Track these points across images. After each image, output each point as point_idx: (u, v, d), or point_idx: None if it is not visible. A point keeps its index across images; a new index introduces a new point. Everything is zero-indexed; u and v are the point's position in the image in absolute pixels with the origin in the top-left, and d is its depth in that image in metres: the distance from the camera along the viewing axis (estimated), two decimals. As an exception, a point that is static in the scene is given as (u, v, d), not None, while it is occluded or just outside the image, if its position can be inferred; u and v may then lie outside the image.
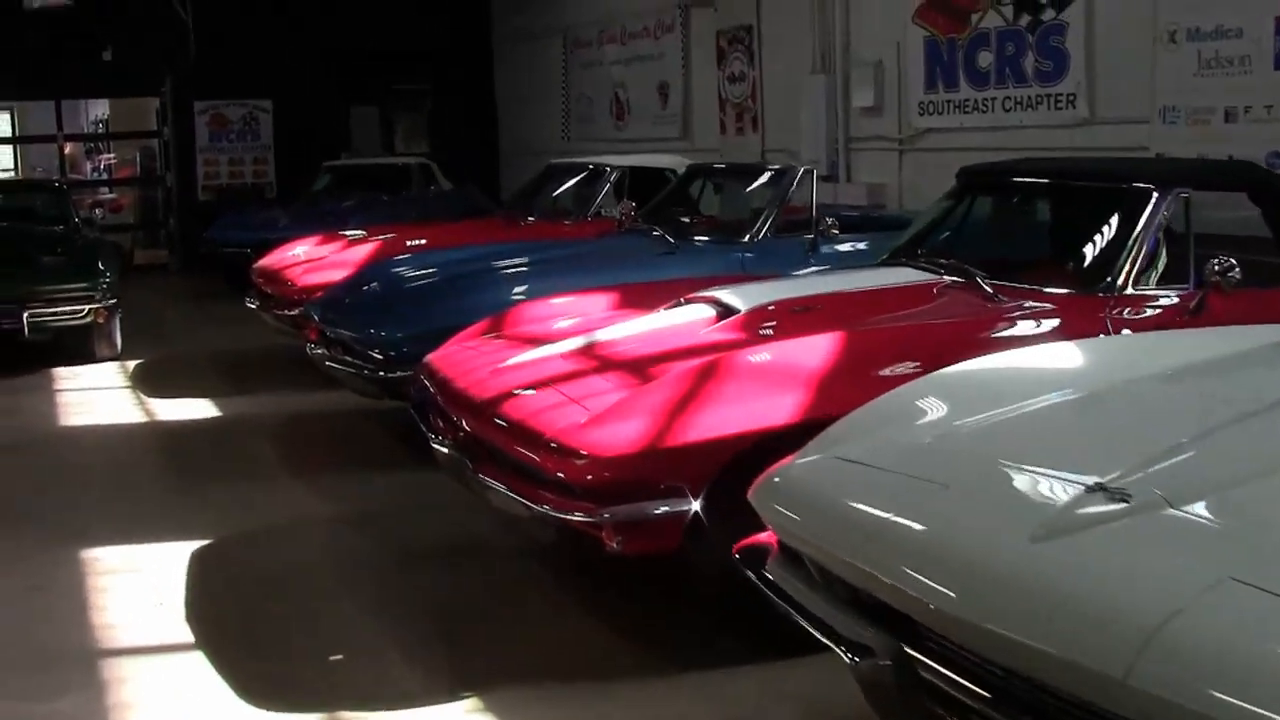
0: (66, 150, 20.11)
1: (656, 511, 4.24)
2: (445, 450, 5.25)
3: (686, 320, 5.29)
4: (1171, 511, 2.39)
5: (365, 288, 7.82)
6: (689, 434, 4.23)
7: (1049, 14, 9.76)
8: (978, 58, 10.68)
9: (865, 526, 2.76)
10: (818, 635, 2.86)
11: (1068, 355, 3.86)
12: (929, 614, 2.47)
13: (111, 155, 23.39)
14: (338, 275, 9.36)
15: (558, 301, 6.20)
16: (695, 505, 4.26)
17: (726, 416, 4.28)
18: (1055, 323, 4.99)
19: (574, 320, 5.83)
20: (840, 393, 4.30)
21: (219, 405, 9.03)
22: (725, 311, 5.28)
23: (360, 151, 18.16)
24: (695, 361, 4.57)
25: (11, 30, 16.40)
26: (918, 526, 2.67)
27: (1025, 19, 10.01)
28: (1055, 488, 2.62)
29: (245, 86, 17.95)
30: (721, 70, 14.02)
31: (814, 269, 7.61)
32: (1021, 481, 2.74)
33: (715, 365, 4.44)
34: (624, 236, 8.52)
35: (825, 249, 7.89)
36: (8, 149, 25.58)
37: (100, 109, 23.51)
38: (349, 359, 7.27)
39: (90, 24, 16.80)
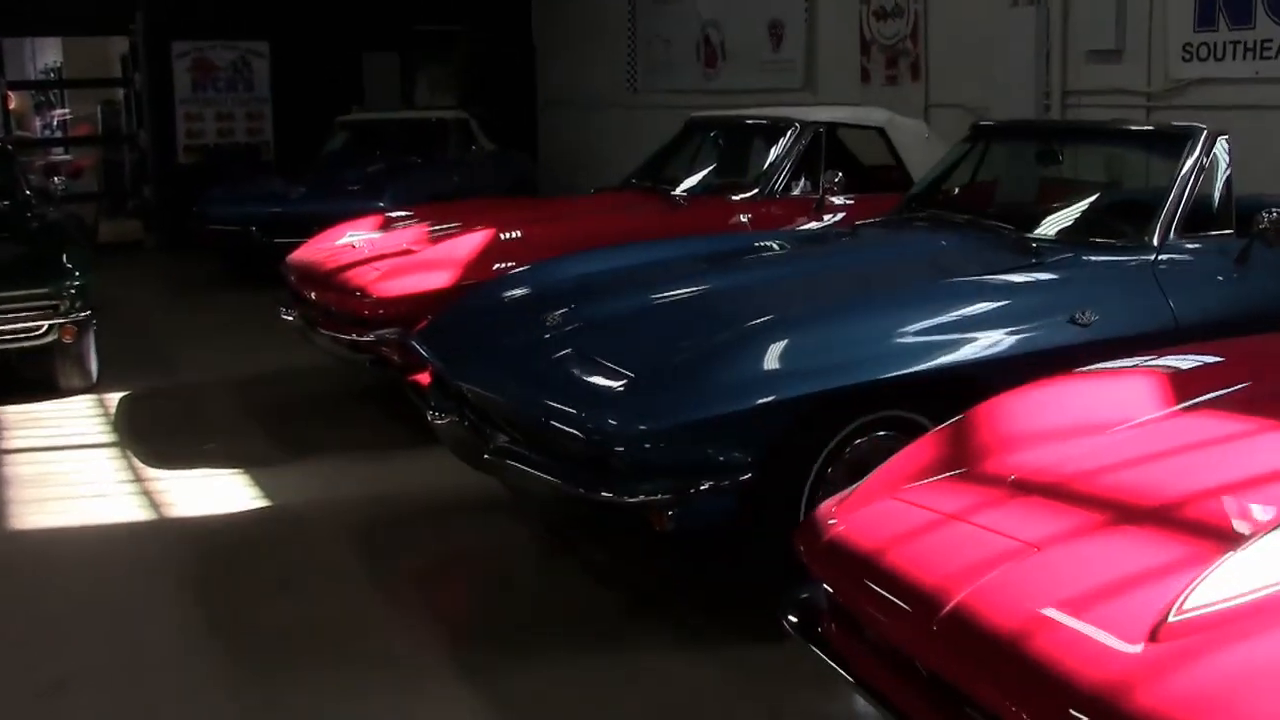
0: (11, 104, 16.66)
1: None
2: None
3: None
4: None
5: (534, 321, 4.67)
6: None
7: None
8: (1288, -21, 7.71)
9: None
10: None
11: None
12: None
13: (66, 109, 19.89)
14: (433, 282, 6.34)
15: (1046, 393, 3.16)
16: None
17: None
18: None
19: (1124, 437, 2.79)
20: None
21: (259, 484, 5.90)
22: None
23: (375, 104, 14.95)
24: None
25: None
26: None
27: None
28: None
29: (235, 25, 14.66)
30: (865, 2, 10.94)
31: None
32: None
33: None
34: (912, 233, 5.42)
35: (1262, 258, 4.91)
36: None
37: (52, 52, 19.94)
38: (529, 456, 4.19)
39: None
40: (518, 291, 5.25)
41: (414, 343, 5.19)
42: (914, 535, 2.56)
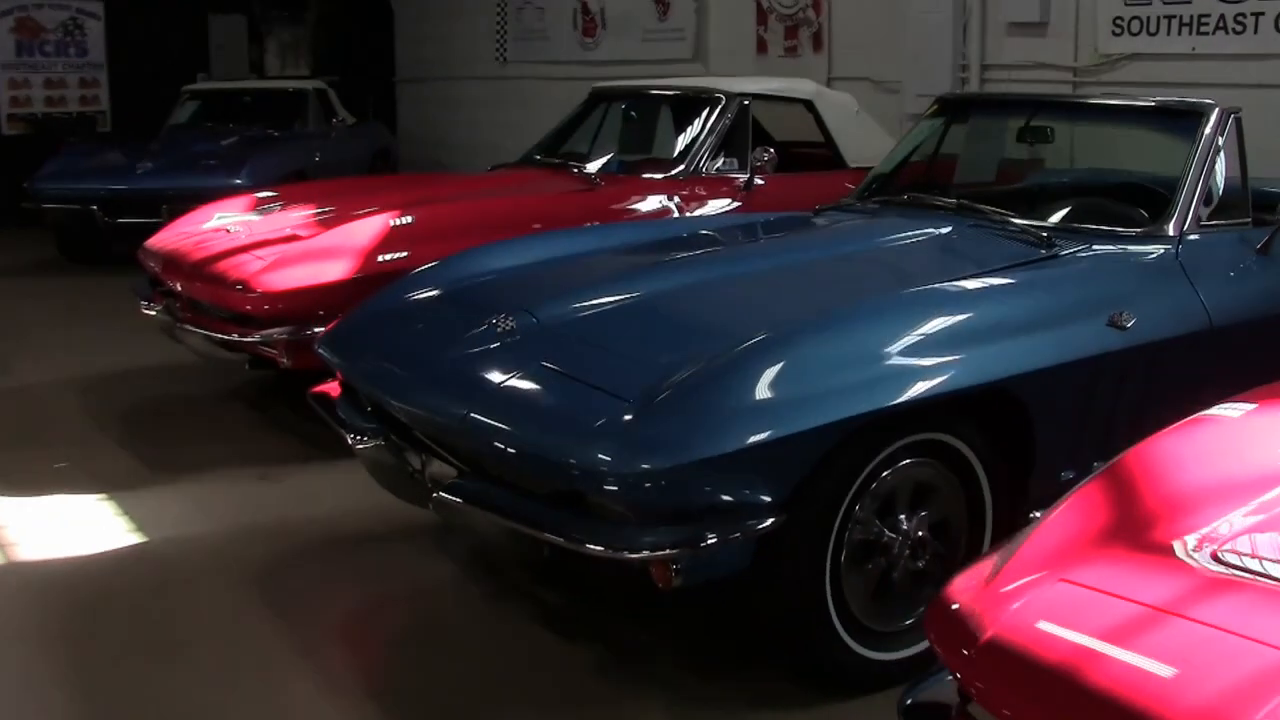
0: None
1: None
2: None
3: None
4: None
5: (477, 327, 3.87)
6: None
7: None
8: (1228, -52, 7.35)
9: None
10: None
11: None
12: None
13: None
14: (329, 273, 5.55)
15: (1201, 438, 2.53)
16: None
17: None
18: None
19: None
20: None
21: (127, 512, 4.99)
22: None
23: (222, 71, 13.86)
24: None
25: None
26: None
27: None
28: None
29: (65, -18, 13.42)
30: (762, -33, 10.36)
31: None
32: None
33: None
34: (896, 220, 4.74)
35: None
36: None
37: None
38: (491, 497, 3.44)
39: None
40: (441, 289, 4.43)
41: (323, 351, 4.36)
42: (1119, 637, 1.90)
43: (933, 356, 3.41)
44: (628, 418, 3.15)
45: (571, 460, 3.14)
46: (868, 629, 3.48)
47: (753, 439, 3.08)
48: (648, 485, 3.06)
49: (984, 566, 2.23)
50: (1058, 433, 3.74)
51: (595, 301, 3.92)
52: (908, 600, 3.56)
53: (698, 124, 6.79)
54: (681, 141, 6.81)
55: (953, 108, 5.34)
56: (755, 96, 6.89)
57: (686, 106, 6.98)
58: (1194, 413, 4.15)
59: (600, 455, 3.10)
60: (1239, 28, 7.43)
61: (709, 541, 3.09)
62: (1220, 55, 7.48)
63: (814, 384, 3.22)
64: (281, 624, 4.06)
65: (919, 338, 3.46)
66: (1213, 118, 4.49)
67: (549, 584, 4.24)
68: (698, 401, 3.16)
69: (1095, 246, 4.24)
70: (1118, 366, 3.81)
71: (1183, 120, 4.56)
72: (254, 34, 14.76)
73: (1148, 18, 7.89)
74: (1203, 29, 7.61)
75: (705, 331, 3.60)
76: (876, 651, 3.50)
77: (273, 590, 4.32)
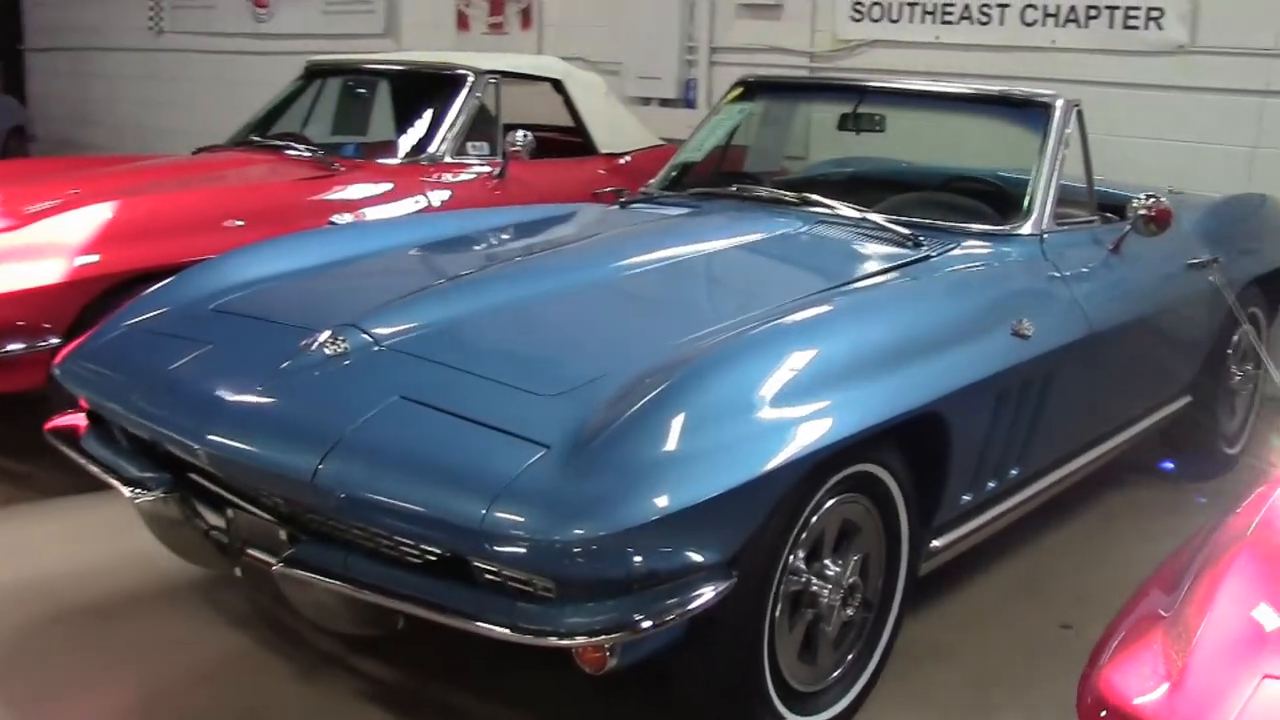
0: None
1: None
2: None
3: None
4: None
5: (285, 349, 3.08)
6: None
7: None
8: (976, -60, 7.31)
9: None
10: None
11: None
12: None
13: None
14: (43, 275, 4.67)
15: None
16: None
17: None
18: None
19: None
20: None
21: None
22: None
23: None
24: None
25: None
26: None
27: None
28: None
29: None
30: (462, -64, 9.72)
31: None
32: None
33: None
34: (732, 216, 4.24)
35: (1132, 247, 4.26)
36: None
37: None
38: (352, 569, 2.76)
39: None
40: (217, 301, 3.58)
41: (69, 382, 3.48)
42: None
43: (873, 378, 2.96)
44: (549, 470, 2.52)
45: (467, 523, 2.48)
46: (794, 691, 3.01)
47: (706, 491, 2.52)
48: (577, 552, 2.45)
49: (1145, 653, 1.78)
50: (967, 456, 3.37)
51: (439, 318, 3.25)
52: (831, 653, 3.12)
53: (443, 104, 6.11)
54: (425, 123, 6.10)
55: (756, 90, 4.90)
56: (503, 75, 6.26)
57: (427, 85, 6.27)
58: (1085, 427, 3.97)
59: (515, 517, 2.46)
60: (984, 18, 7.37)
61: (650, 621, 2.52)
62: (964, 45, 7.41)
63: (762, 420, 2.69)
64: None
65: (855, 358, 3.00)
66: (1059, 109, 4.26)
67: (370, 654, 3.54)
68: (638, 450, 2.54)
69: (965, 245, 3.91)
70: (1021, 379, 3.49)
71: (1029, 111, 4.31)
72: None
73: (890, 4, 7.75)
74: (947, 18, 7.52)
75: (608, 357, 2.97)
76: (802, 717, 3.03)
77: (6, 685, 3.42)
